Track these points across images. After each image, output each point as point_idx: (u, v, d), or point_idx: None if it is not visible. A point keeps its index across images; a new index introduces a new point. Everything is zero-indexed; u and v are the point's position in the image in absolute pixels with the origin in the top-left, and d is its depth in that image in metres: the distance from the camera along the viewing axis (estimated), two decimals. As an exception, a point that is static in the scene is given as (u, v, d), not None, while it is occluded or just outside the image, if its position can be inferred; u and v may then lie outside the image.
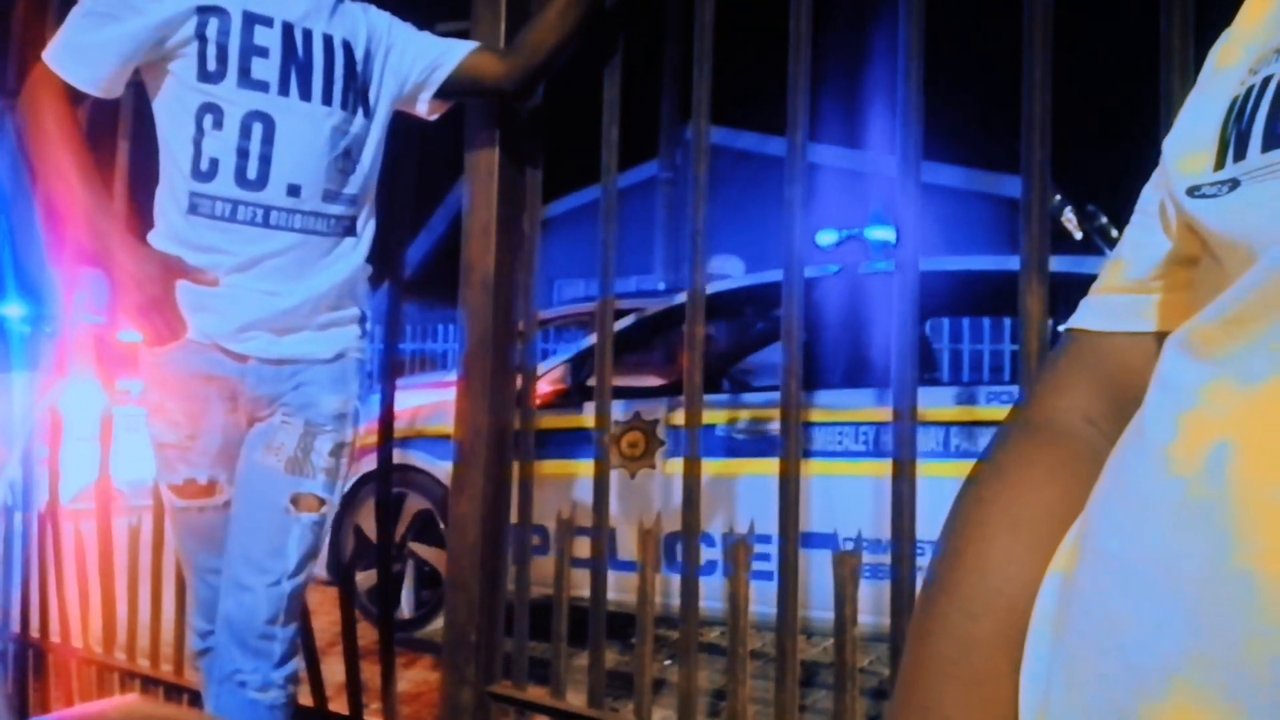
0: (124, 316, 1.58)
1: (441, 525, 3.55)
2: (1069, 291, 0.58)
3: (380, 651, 2.07)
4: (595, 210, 1.79)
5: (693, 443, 1.66)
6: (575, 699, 1.77)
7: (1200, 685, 0.35)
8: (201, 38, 1.52)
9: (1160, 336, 0.46)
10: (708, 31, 1.65)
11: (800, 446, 1.55)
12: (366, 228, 1.68)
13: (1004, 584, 0.48)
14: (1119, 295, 0.53)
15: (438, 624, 3.52)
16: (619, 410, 3.25)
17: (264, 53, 1.54)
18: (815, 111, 1.55)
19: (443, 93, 1.74)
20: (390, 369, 2.14)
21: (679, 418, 3.19)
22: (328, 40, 1.60)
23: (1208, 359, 0.41)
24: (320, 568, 3.23)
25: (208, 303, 1.55)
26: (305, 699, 2.02)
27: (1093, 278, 0.56)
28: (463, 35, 1.81)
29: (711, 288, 4.03)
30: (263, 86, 1.54)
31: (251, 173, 1.53)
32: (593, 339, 3.61)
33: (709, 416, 3.15)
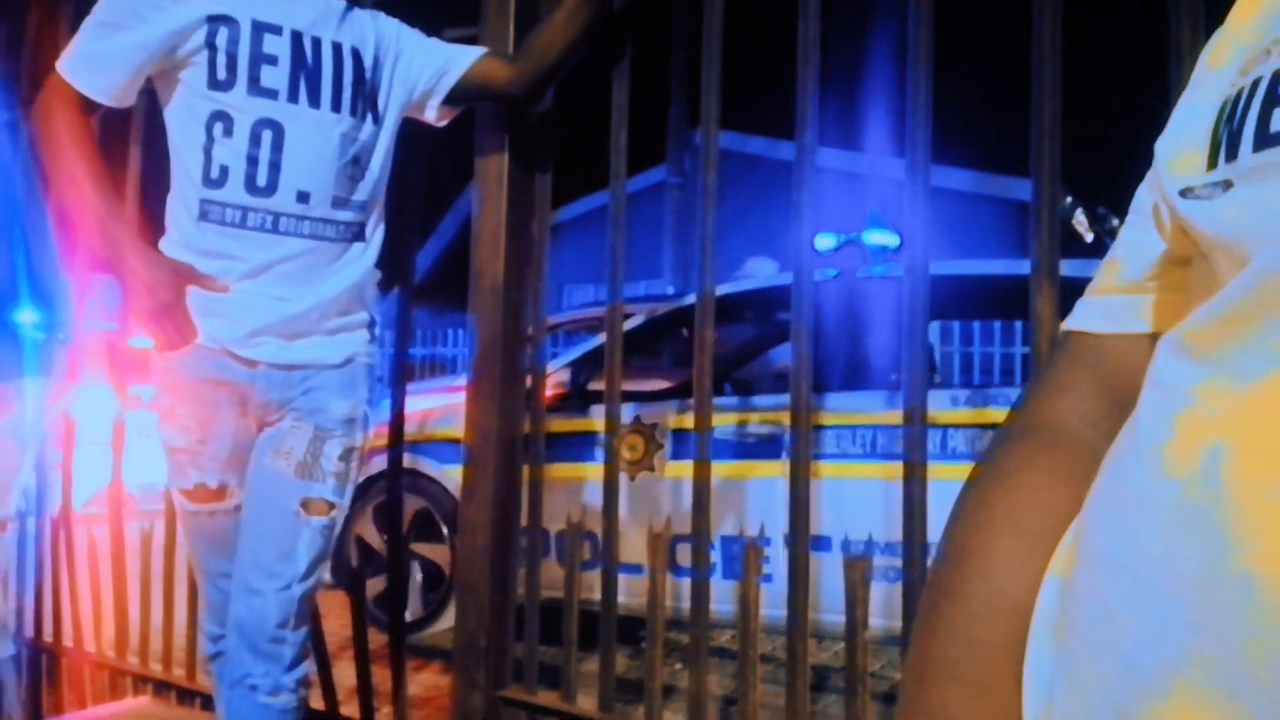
0: (135, 322, 1.59)
1: (439, 521, 3.55)
2: (1079, 294, 0.58)
3: (391, 656, 2.08)
4: (604, 215, 1.79)
5: (702, 446, 1.66)
6: (585, 703, 1.77)
7: (1201, 686, 0.35)
8: (211, 46, 1.53)
9: (1156, 337, 0.46)
10: (716, 35, 1.65)
11: (809, 449, 1.55)
12: (375, 233, 1.69)
13: (1006, 586, 0.48)
14: (1115, 296, 0.53)
15: (443, 624, 3.53)
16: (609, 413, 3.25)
17: (273, 61, 1.55)
18: (777, 105, 1.56)
19: (451, 99, 1.75)
20: (401, 373, 2.15)
21: (678, 421, 3.20)
22: (337, 48, 1.61)
23: (1201, 359, 0.41)
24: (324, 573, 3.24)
25: (218, 308, 1.56)
26: (317, 703, 2.02)
27: None
28: (471, 41, 1.81)
29: (722, 291, 4.03)
30: (272, 94, 1.55)
31: (261, 180, 1.54)
32: (590, 344, 3.64)
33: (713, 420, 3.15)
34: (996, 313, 6.44)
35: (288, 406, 1.61)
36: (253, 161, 1.54)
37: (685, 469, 3.11)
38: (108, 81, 1.54)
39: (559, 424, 3.27)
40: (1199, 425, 0.39)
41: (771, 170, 9.56)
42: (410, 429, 3.62)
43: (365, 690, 2.06)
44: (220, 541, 1.64)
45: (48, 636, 2.53)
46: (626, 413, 3.29)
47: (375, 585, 3.40)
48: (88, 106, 1.55)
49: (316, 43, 1.59)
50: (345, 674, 2.14)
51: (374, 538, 3.58)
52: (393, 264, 1.93)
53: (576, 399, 3.41)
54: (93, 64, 1.54)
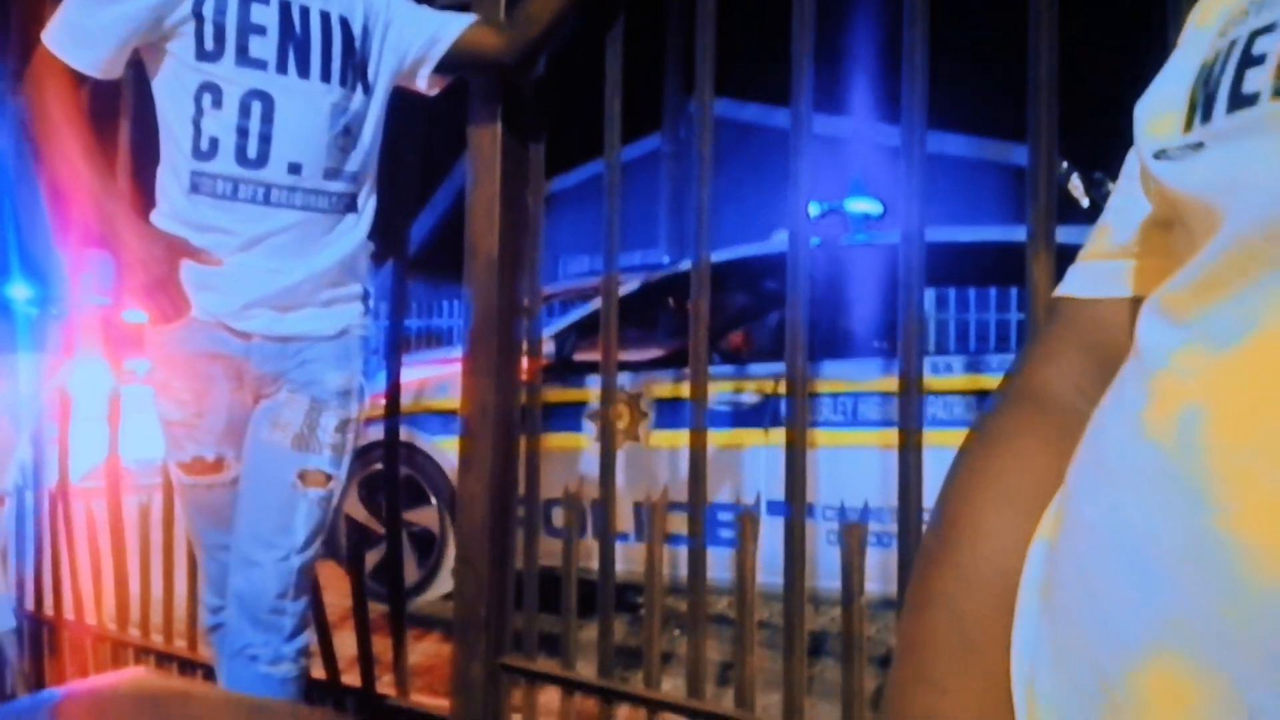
0: (129, 297, 1.58)
1: (426, 489, 3.57)
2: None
3: (391, 625, 2.09)
4: (599, 185, 1.78)
5: (698, 415, 1.66)
6: (585, 670, 1.79)
7: (1180, 650, 0.36)
8: (198, 16, 1.51)
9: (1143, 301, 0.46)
10: (710, 0, 1.63)
11: (806, 416, 1.55)
12: (368, 204, 1.68)
13: (996, 553, 0.49)
14: (1104, 262, 0.53)
15: (437, 591, 3.55)
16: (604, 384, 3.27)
17: (261, 31, 1.54)
18: (773, 71, 1.55)
19: (442, 67, 1.73)
20: (396, 345, 2.15)
21: (662, 391, 3.21)
22: (325, 17, 1.59)
23: (1179, 324, 0.41)
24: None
25: (211, 281, 1.55)
26: (318, 672, 2.04)
27: None
28: (462, 8, 1.79)
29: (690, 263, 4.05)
30: (261, 65, 1.54)
31: (252, 151, 1.53)
32: (572, 315, 3.64)
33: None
34: (988, 279, 6.44)
35: (283, 379, 1.61)
36: (243, 133, 1.53)
37: (670, 438, 3.14)
38: (94, 54, 1.52)
39: (545, 395, 3.27)
40: (1176, 390, 0.39)
41: (767, 138, 9.50)
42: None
43: (366, 659, 2.07)
44: (218, 514, 1.65)
45: (48, 610, 2.54)
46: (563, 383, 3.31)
47: (370, 559, 3.42)
48: (77, 79, 1.53)
49: (305, 12, 1.57)
50: (346, 644, 2.15)
51: (362, 514, 3.58)
52: (387, 235, 1.92)
53: (560, 369, 3.42)
54: (78, 36, 1.52)
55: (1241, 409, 0.36)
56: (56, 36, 1.52)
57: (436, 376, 3.53)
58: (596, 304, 3.72)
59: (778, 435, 2.98)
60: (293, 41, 1.56)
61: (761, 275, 3.71)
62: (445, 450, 3.54)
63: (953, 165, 9.31)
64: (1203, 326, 0.39)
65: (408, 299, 2.15)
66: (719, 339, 4.17)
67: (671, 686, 1.78)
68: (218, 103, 1.53)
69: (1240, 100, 0.39)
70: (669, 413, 3.18)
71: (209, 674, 2.11)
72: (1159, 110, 0.45)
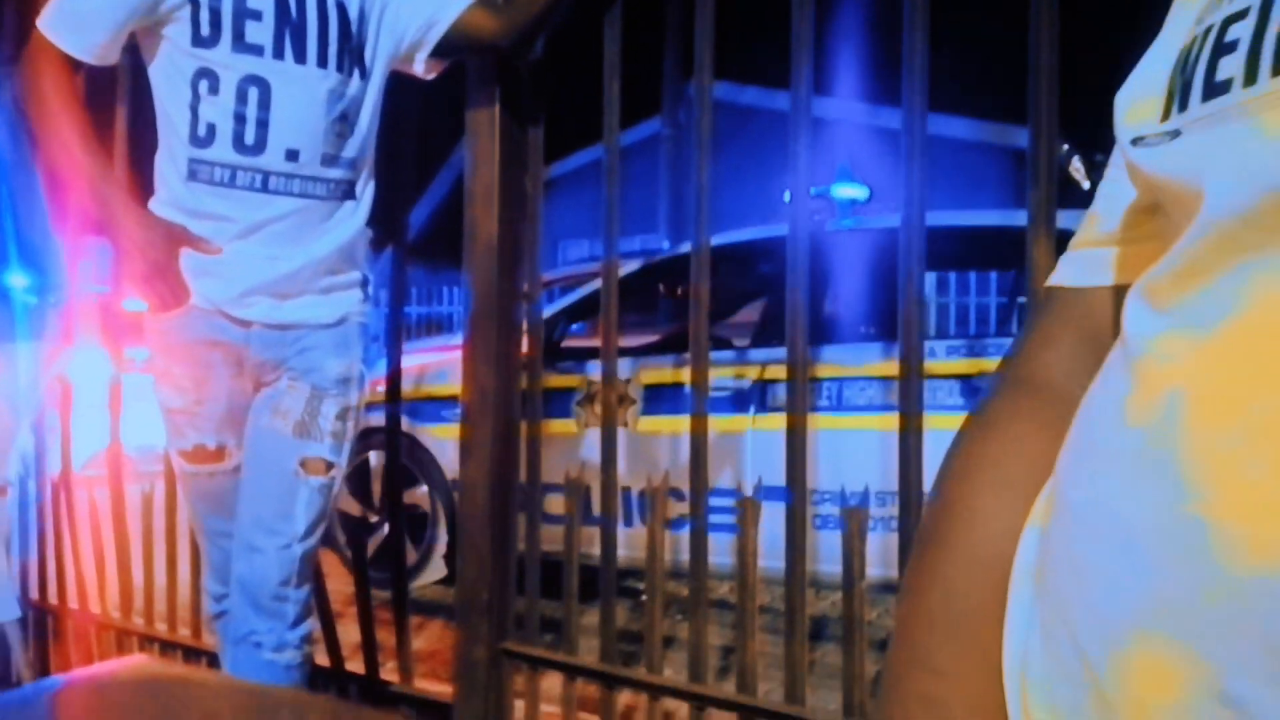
0: (128, 284, 1.58)
1: (415, 472, 3.58)
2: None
3: (394, 612, 2.10)
4: (598, 170, 1.78)
5: (699, 400, 1.66)
6: (587, 655, 1.80)
7: (1163, 635, 0.36)
8: (194, 2, 1.50)
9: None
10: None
11: (807, 401, 1.55)
12: (366, 191, 1.67)
13: (992, 536, 0.49)
14: (1093, 250, 0.54)
15: (430, 575, 3.56)
16: (591, 371, 3.28)
17: (257, 16, 1.53)
18: (772, 54, 1.54)
19: (439, 51, 1.72)
20: (396, 332, 2.15)
21: (650, 377, 3.21)
22: (321, 1, 1.58)
23: (1161, 310, 0.41)
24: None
25: (210, 268, 1.55)
26: (322, 659, 2.05)
27: None
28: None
29: (685, 248, 4.06)
30: (257, 50, 1.53)
31: (249, 138, 1.53)
32: (560, 302, 3.64)
33: (685, 375, 3.19)
34: (982, 263, 6.43)
35: (283, 366, 1.61)
36: (240, 119, 1.52)
37: (658, 424, 3.15)
38: (89, 39, 1.51)
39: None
40: (1158, 376, 0.40)
41: (766, 121, 9.46)
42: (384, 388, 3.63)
43: (369, 646, 2.08)
44: (220, 502, 1.65)
45: (52, 599, 2.55)
46: (599, 369, 3.30)
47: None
48: (73, 64, 1.53)
49: (301, -4, 1.56)
50: (350, 631, 2.16)
51: (353, 506, 3.58)
52: (385, 222, 1.91)
53: (549, 356, 3.43)
54: (74, 21, 1.51)
55: (1220, 394, 0.37)
56: (52, 22, 1.51)
57: (426, 364, 3.53)
58: (585, 290, 3.73)
59: (764, 421, 3.02)
60: (289, 26, 1.55)
61: (749, 261, 3.71)
62: (436, 436, 3.54)
63: (953, 148, 9.28)
64: (1183, 312, 0.40)
65: (407, 285, 2.15)
66: (711, 324, 4.18)
67: (673, 671, 1.79)
68: (214, 89, 1.52)
69: (1214, 88, 0.39)
70: (657, 399, 3.19)
71: (213, 661, 2.11)
72: (1137, 97, 0.45)
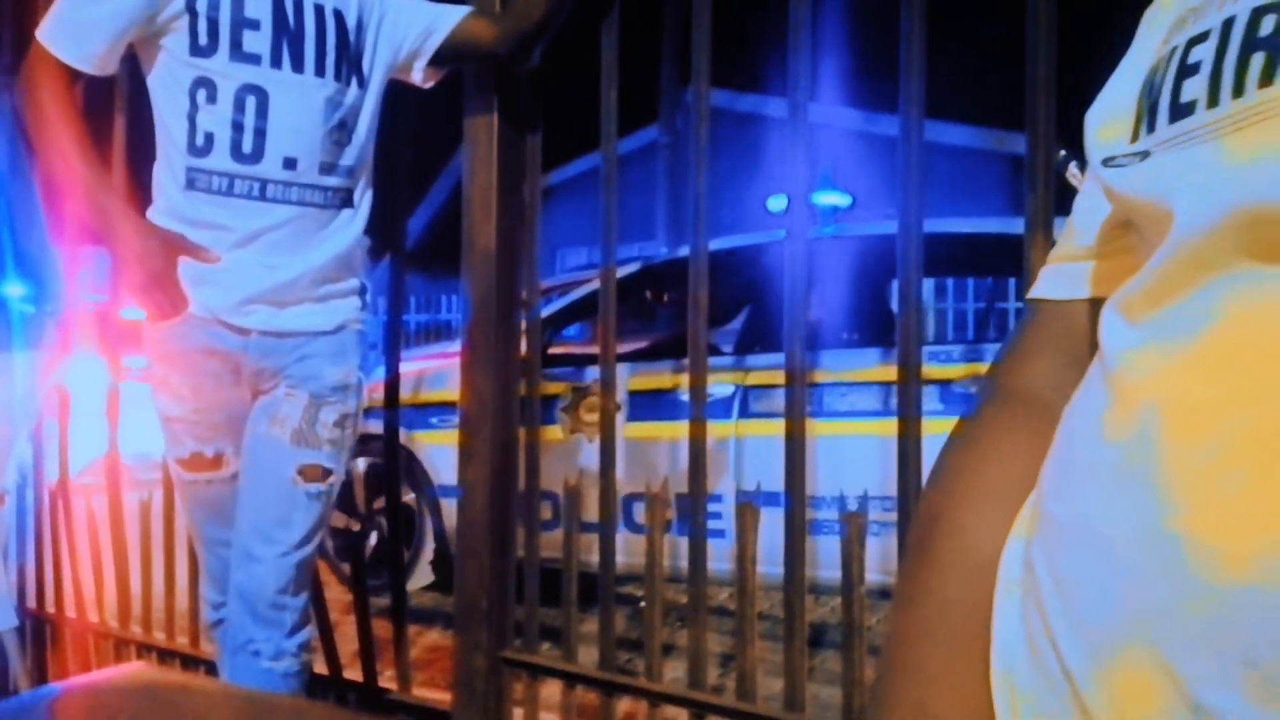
0: (127, 293, 1.58)
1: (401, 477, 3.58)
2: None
3: (392, 619, 2.10)
4: (596, 177, 1.78)
5: (697, 405, 1.66)
6: (586, 662, 1.79)
7: (1142, 647, 0.36)
8: (192, 11, 1.51)
9: None
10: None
11: (804, 406, 1.55)
12: (364, 199, 1.67)
13: (979, 546, 0.50)
14: (1071, 264, 0.55)
15: (417, 580, 3.56)
16: (574, 377, 3.30)
17: (254, 25, 1.53)
18: (769, 61, 1.54)
19: (437, 60, 1.72)
20: (394, 340, 2.15)
21: (635, 383, 3.22)
22: (319, 10, 1.59)
23: (1136, 325, 0.42)
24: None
25: (208, 277, 1.55)
26: (320, 667, 2.04)
27: None
28: (457, 0, 1.79)
29: (676, 255, 4.09)
30: (255, 59, 1.53)
31: (247, 146, 1.53)
32: (545, 310, 3.65)
33: (667, 380, 3.21)
34: (960, 270, 6.45)
35: (281, 374, 1.61)
36: (238, 128, 1.52)
37: (643, 430, 3.15)
38: (88, 49, 1.51)
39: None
40: (1134, 390, 0.41)
41: (762, 127, 9.48)
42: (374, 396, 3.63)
43: (368, 654, 2.08)
44: (218, 510, 1.65)
45: (50, 608, 2.55)
46: (584, 376, 3.32)
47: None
48: (72, 74, 1.53)
49: (298, 6, 1.57)
50: (348, 639, 2.16)
51: (338, 519, 3.57)
52: (384, 230, 1.92)
53: None
54: (73, 32, 1.51)
55: (1194, 409, 0.37)
56: (51, 32, 1.52)
57: (413, 370, 3.53)
58: (568, 298, 3.75)
59: (746, 427, 3.02)
60: (286, 35, 1.55)
61: (731, 268, 3.73)
62: (422, 442, 3.54)
63: (951, 155, 9.30)
64: (1157, 327, 0.41)
65: (405, 293, 2.15)
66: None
67: (673, 678, 1.79)
68: (212, 98, 1.52)
69: (1180, 110, 0.40)
70: (642, 405, 3.19)
71: (211, 670, 2.11)
72: (1108, 118, 0.46)
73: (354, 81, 1.62)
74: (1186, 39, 0.41)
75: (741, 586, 1.62)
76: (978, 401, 0.57)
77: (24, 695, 1.79)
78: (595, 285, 3.69)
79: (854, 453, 2.74)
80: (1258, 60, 0.37)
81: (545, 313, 3.61)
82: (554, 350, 3.71)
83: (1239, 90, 0.38)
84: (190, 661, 2.27)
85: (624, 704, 1.79)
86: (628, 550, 2.46)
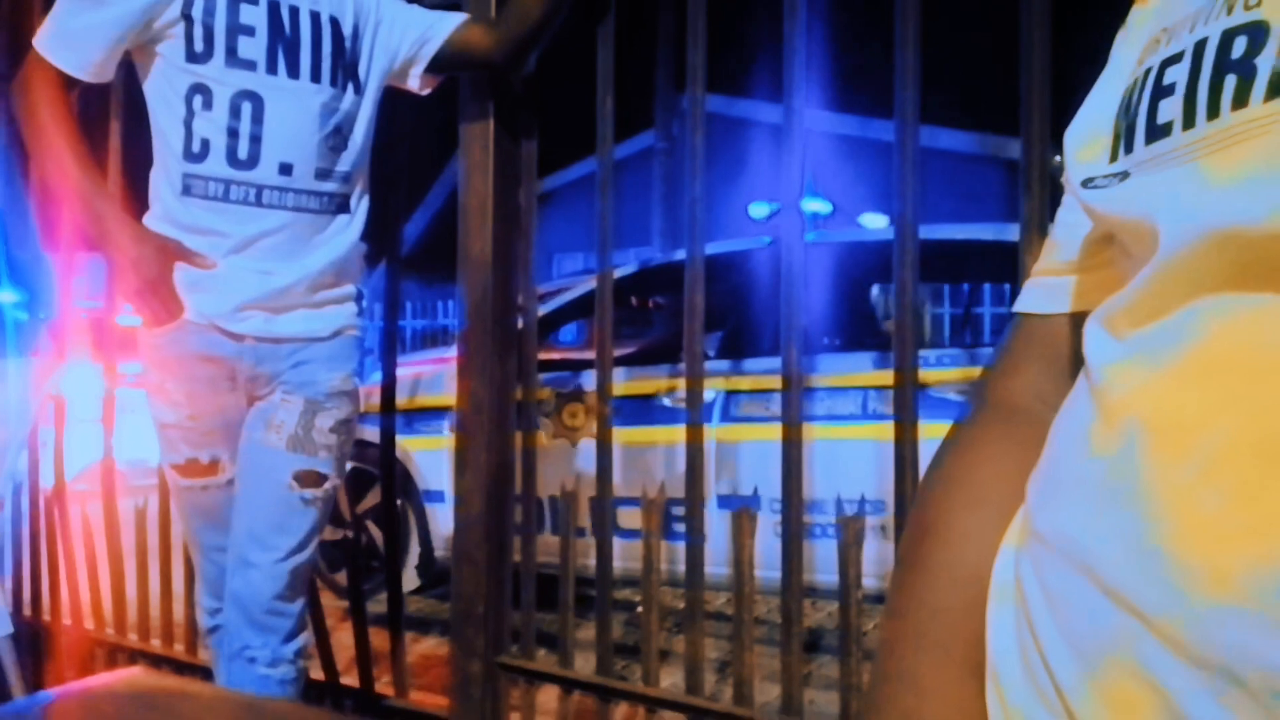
0: (122, 299, 1.58)
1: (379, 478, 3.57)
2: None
3: (389, 625, 2.09)
4: (592, 182, 1.78)
5: (693, 410, 1.66)
6: (583, 667, 1.79)
7: (1129, 663, 0.37)
8: (187, 18, 1.51)
9: None
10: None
11: (800, 411, 1.55)
12: (360, 205, 1.68)
13: (969, 556, 0.51)
14: (1054, 278, 0.55)
15: (406, 584, 3.54)
16: (560, 382, 3.30)
17: (250, 31, 1.53)
18: (756, 66, 1.55)
19: (434, 67, 1.73)
20: (390, 346, 2.15)
21: (621, 388, 3.23)
22: (315, 16, 1.59)
23: (1121, 340, 0.43)
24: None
25: (204, 283, 1.55)
26: (317, 673, 2.04)
27: None
28: (453, 7, 1.79)
29: (665, 260, 4.08)
30: (250, 65, 1.53)
31: (242, 152, 1.53)
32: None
33: (649, 385, 3.22)
34: (937, 277, 6.47)
35: (277, 380, 1.61)
36: (233, 134, 1.53)
37: (625, 435, 3.14)
38: (85, 57, 1.52)
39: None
40: (1119, 406, 0.41)
41: (748, 133, 9.49)
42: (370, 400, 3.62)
43: (364, 660, 2.07)
44: (214, 516, 1.65)
45: (45, 615, 2.54)
46: (567, 381, 3.33)
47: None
48: (67, 82, 1.53)
49: (294, 12, 1.57)
50: (345, 644, 2.15)
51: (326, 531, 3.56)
52: (380, 236, 1.92)
53: None
54: (69, 39, 1.52)
55: (1176, 426, 0.38)
56: (47, 40, 1.52)
57: (399, 377, 3.53)
58: (552, 305, 3.75)
59: (725, 431, 3.03)
60: (282, 42, 1.55)
61: (715, 275, 3.74)
62: (407, 448, 3.54)
63: (946, 160, 9.32)
64: (1140, 344, 0.41)
65: (401, 299, 2.16)
66: (678, 339, 4.20)
67: (669, 684, 1.79)
68: (208, 104, 1.52)
69: (1156, 131, 0.41)
70: (623, 411, 3.21)
71: (207, 677, 2.10)
72: (1086, 138, 0.47)
73: (350, 88, 1.63)
74: (1160, 60, 0.42)
75: (739, 592, 1.62)
76: (966, 413, 0.58)
77: (19, 701, 1.78)
78: (576, 291, 3.72)
79: (834, 457, 2.75)
80: (1230, 82, 0.38)
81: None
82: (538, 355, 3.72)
83: (1214, 112, 0.38)
84: (186, 668, 2.26)
85: (621, 709, 1.79)
86: (619, 555, 2.46)
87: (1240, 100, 0.37)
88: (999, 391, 0.57)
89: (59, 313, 2.43)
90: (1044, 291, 0.56)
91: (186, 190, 1.54)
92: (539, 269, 1.92)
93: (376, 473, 3.55)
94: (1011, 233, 1.32)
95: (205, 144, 1.53)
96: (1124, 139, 0.43)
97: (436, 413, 3.52)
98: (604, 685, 1.73)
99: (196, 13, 1.51)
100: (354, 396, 1.68)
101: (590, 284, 3.69)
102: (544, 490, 1.92)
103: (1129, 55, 0.47)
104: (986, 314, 8.25)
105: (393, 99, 1.77)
